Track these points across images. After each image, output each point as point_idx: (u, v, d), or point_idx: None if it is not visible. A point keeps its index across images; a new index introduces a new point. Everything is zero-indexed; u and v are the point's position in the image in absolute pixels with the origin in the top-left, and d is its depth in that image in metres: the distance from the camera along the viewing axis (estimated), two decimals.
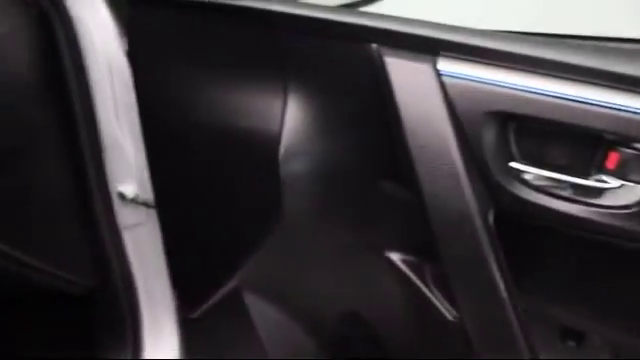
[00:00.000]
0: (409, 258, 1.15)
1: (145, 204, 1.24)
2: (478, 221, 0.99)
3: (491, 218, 1.00)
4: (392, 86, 1.02)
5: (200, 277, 1.24)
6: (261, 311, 1.22)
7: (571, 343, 1.13)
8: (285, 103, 1.13)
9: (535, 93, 0.94)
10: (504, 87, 0.96)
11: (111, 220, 1.23)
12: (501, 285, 1.00)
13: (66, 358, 1.29)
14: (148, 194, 1.24)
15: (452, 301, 1.09)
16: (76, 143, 1.17)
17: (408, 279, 1.14)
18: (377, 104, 1.05)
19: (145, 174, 1.23)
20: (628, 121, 0.89)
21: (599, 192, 0.95)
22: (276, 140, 1.13)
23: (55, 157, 1.16)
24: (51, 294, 1.27)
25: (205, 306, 1.24)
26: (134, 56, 1.11)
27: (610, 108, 0.90)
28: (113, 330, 1.29)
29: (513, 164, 0.99)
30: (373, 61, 1.04)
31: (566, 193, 0.97)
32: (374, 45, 1.04)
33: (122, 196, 1.23)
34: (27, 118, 1.09)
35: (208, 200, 1.18)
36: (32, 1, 1.09)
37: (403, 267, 1.15)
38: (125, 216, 1.24)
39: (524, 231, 1.01)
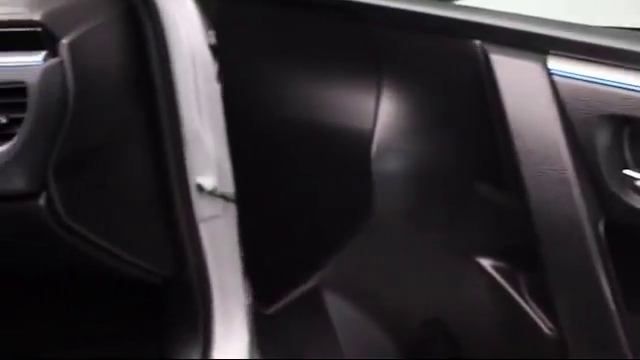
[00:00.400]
0: (502, 265, 1.11)
1: (224, 197, 1.21)
2: (588, 230, 0.93)
3: (602, 228, 0.94)
4: (498, 85, 0.97)
5: (278, 274, 1.21)
6: (340, 311, 1.18)
7: None
8: (379, 99, 1.09)
9: None
10: (619, 88, 0.91)
11: (189, 212, 1.22)
12: (609, 299, 0.94)
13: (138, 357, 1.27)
14: (228, 187, 1.21)
15: (549, 313, 1.04)
16: (159, 135, 1.16)
17: (500, 287, 1.10)
18: (478, 103, 1.01)
19: (225, 168, 1.20)
20: None
21: None
22: (368, 137, 1.10)
23: (139, 149, 1.15)
24: (128, 284, 1.26)
25: (281, 303, 1.21)
26: (222, 50, 1.07)
27: None
28: (185, 322, 1.28)
29: (627, 172, 0.93)
30: (476, 58, 0.99)
31: None
32: (477, 41, 0.99)
33: (200, 188, 1.21)
34: (115, 111, 1.06)
35: (292, 196, 1.15)
36: None
37: (495, 274, 1.10)
38: (202, 208, 1.22)
39: (637, 244, 0.95)
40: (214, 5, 1.05)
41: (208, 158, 1.20)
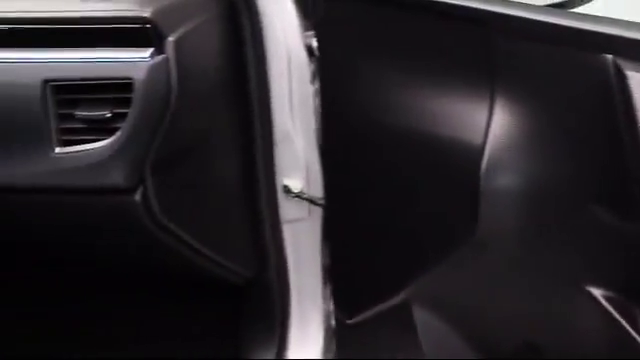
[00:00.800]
0: (615, 296, 1.02)
1: (310, 200, 1.18)
2: None
3: None
4: (634, 104, 0.90)
5: (366, 285, 1.16)
6: (429, 328, 1.13)
7: None
8: (491, 111, 1.04)
9: None
10: None
11: (274, 213, 1.20)
12: None
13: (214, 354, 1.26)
14: (316, 191, 1.18)
15: None
16: (250, 136, 1.14)
17: (612, 319, 1.02)
18: (602, 120, 0.94)
19: (314, 170, 1.18)
20: None
21: None
22: (478, 151, 1.04)
23: (229, 149, 1.13)
24: (208, 283, 1.25)
25: (367, 314, 1.17)
26: (324, 50, 1.04)
27: None
28: (261, 323, 1.27)
29: None
30: (606, 73, 0.92)
31: None
32: (609, 56, 0.92)
33: (287, 190, 1.18)
34: (211, 110, 1.05)
35: (388, 206, 1.10)
36: None
37: (607, 305, 1.02)
38: (288, 210, 1.20)
39: None
40: (320, 4, 1.01)
41: (297, 160, 1.18)
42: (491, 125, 1.04)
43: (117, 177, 0.95)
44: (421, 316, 1.13)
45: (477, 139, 1.04)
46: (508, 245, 1.09)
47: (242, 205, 1.18)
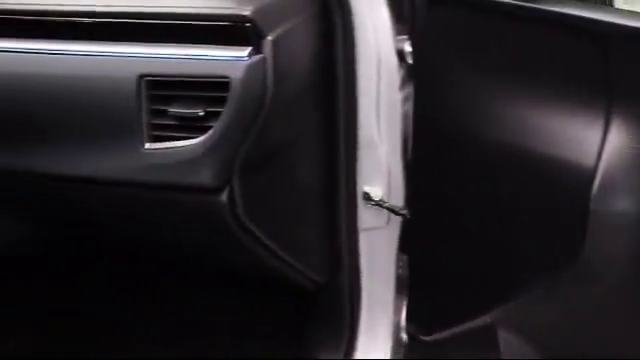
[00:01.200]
0: None
1: (391, 210, 1.14)
2: None
3: None
4: None
5: (449, 302, 1.11)
6: (511, 348, 1.07)
7: None
8: (606, 130, 0.97)
9: None
10: None
11: (351, 220, 1.16)
12: None
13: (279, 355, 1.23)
14: (397, 200, 1.14)
15: None
16: (333, 139, 1.10)
17: None
18: None
19: (397, 179, 1.13)
20: None
21: None
22: (590, 171, 0.98)
23: (313, 152, 1.10)
24: (281, 286, 1.22)
25: (446, 332, 1.12)
26: (421, 57, 0.99)
27: None
28: (330, 327, 1.24)
29: None
30: None
31: None
32: None
33: (367, 197, 1.14)
34: (299, 112, 1.02)
35: (479, 223, 1.04)
36: None
37: None
38: (366, 217, 1.17)
39: None
40: (422, 9, 0.97)
41: (380, 167, 1.14)
42: (605, 145, 0.97)
43: (206, 176, 0.92)
44: (508, 340, 1.07)
45: (589, 158, 0.98)
46: (616, 269, 1.02)
47: (320, 210, 1.15)
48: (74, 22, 0.95)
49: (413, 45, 1.03)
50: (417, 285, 1.14)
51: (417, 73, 1.01)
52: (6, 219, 1.20)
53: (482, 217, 1.02)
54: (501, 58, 0.96)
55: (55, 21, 0.96)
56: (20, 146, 1.01)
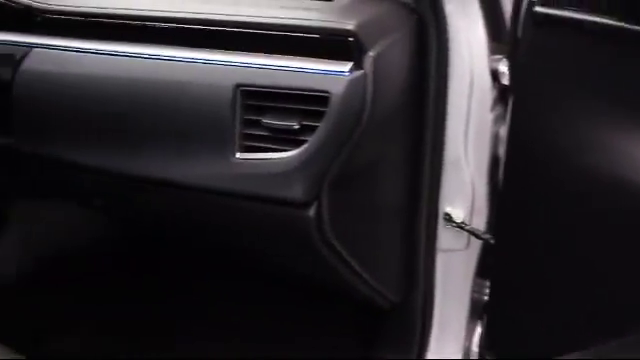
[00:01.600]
0: None
1: (473, 233, 1.09)
2: None
3: None
4: None
5: (532, 335, 1.05)
6: None
7: None
8: None
9: None
10: None
11: (430, 241, 1.12)
12: None
13: None
14: (479, 223, 1.10)
15: None
16: (419, 157, 1.06)
17: None
18: None
19: (481, 201, 1.09)
20: None
21: None
22: None
23: (398, 169, 1.06)
24: (354, 301, 1.19)
25: None
26: (519, 79, 0.95)
27: None
28: (399, 347, 1.20)
29: None
30: None
31: None
32: None
33: (448, 218, 1.10)
34: (390, 129, 0.98)
35: (569, 252, 0.99)
36: (413, 7, 0.98)
37: None
38: (445, 238, 1.13)
39: None
40: (528, 30, 0.92)
41: (463, 188, 1.09)
42: None
43: (297, 190, 0.90)
44: None
45: None
46: None
47: (400, 229, 1.12)
48: (177, 28, 0.94)
49: (512, 66, 0.98)
50: (497, 311, 1.09)
51: (516, 95, 0.96)
52: (90, 217, 1.20)
53: (575, 247, 0.97)
54: (604, 83, 0.91)
55: (158, 27, 0.95)
56: (113, 147, 1.00)
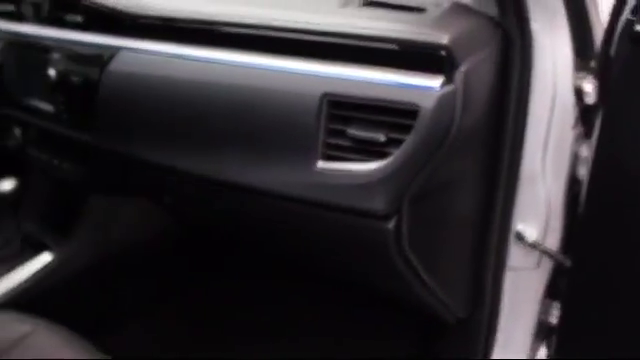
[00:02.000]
0: None
1: (546, 253, 1.06)
2: None
3: None
4: None
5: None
6: None
7: None
8: None
9: None
10: None
11: (500, 257, 1.09)
12: None
13: None
14: (552, 242, 1.06)
15: None
16: (495, 174, 1.03)
17: None
18: None
19: (555, 221, 1.05)
20: None
21: None
22: None
23: (473, 185, 1.04)
24: (420, 315, 1.17)
25: None
26: (610, 98, 0.91)
27: None
28: None
29: None
30: None
31: None
32: None
33: (520, 237, 1.07)
34: (471, 145, 0.95)
35: None
36: (499, 22, 0.95)
37: None
38: (515, 256, 1.09)
39: None
40: (625, 51, 0.88)
41: (538, 206, 1.06)
42: None
43: (379, 202, 0.88)
44: None
45: None
46: None
47: (471, 244, 1.09)
48: (265, 35, 0.93)
49: (601, 85, 0.95)
50: (568, 335, 1.05)
51: (606, 114, 0.93)
52: (163, 216, 1.21)
53: None
54: None
55: (245, 33, 0.95)
56: (193, 150, 1.00)
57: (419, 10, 0.94)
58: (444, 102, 0.83)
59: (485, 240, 1.08)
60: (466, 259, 1.10)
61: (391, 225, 0.90)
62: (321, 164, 0.90)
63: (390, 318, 1.20)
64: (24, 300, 1.39)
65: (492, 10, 0.97)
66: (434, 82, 0.84)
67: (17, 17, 1.35)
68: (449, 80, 0.84)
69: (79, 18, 1.22)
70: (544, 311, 1.16)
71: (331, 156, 0.90)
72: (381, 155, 0.87)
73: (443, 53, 0.84)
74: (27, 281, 1.42)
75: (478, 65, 0.89)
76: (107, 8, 1.17)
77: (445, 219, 1.03)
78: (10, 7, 1.35)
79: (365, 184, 0.87)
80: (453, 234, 1.06)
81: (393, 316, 1.20)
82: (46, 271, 1.42)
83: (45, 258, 1.42)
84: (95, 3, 1.20)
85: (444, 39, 0.84)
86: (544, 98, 1.00)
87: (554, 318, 1.16)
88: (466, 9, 0.95)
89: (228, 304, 1.29)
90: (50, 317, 1.01)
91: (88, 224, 1.37)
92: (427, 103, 0.83)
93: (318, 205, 0.92)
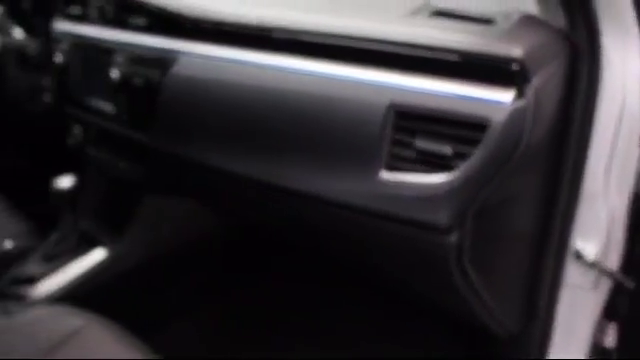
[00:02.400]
0: None
1: (606, 273, 1.02)
2: None
3: None
4: None
5: None
6: None
7: None
8: None
9: None
10: None
11: (556, 274, 1.06)
12: None
13: None
14: (612, 262, 1.03)
15: None
16: (556, 190, 1.00)
17: None
18: None
19: (616, 240, 1.01)
20: None
21: None
22: None
23: (534, 200, 1.00)
24: (471, 328, 1.14)
25: None
26: None
27: None
28: None
29: None
30: None
31: None
32: None
33: (578, 255, 1.03)
34: (534, 162, 0.92)
35: None
36: (569, 35, 0.92)
37: None
38: (573, 275, 1.05)
39: None
40: None
41: (599, 224, 1.02)
42: None
43: (443, 215, 0.86)
44: None
45: None
46: None
47: (527, 260, 1.06)
48: (332, 44, 0.92)
49: None
50: (627, 357, 1.01)
51: None
52: (216, 218, 1.20)
53: None
54: None
55: (313, 41, 0.93)
56: (253, 155, 1.00)
57: (488, 21, 0.91)
58: (515, 117, 0.81)
59: (542, 257, 1.05)
60: (522, 275, 1.07)
61: (453, 239, 0.88)
62: (384, 174, 0.89)
63: (438, 328, 1.17)
64: (76, 295, 1.40)
65: (561, 22, 0.94)
66: (505, 96, 0.82)
67: (83, 19, 1.37)
68: (520, 94, 0.82)
69: (142, 21, 1.23)
70: (599, 332, 1.12)
71: (394, 167, 0.89)
72: (445, 167, 0.85)
73: (515, 67, 0.82)
74: (80, 277, 1.43)
75: (548, 79, 0.87)
76: (171, 12, 1.17)
77: (504, 234, 1.00)
78: (76, 9, 1.37)
79: (430, 196, 0.85)
80: (510, 249, 1.04)
81: (441, 327, 1.17)
82: (98, 268, 1.44)
83: (98, 255, 1.45)
84: (159, 7, 1.21)
85: (517, 52, 0.82)
86: (611, 114, 0.97)
87: (610, 340, 1.12)
88: (536, 21, 0.92)
89: (273, 306, 1.28)
90: (100, 313, 1.02)
91: (141, 223, 1.38)
92: (498, 117, 0.81)
93: (379, 215, 0.90)
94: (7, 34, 1.51)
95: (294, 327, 1.24)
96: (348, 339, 1.23)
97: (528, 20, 0.92)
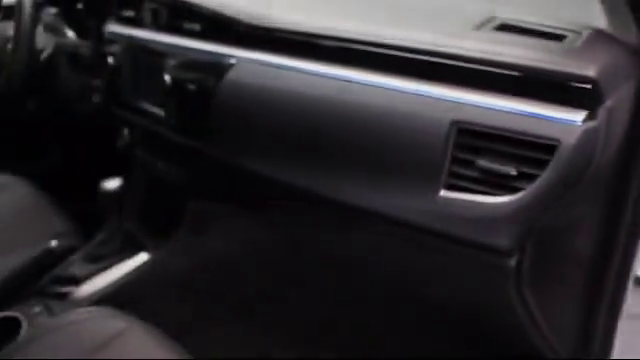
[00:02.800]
0: None
1: None
2: None
3: None
4: None
5: None
6: None
7: None
8: None
9: None
10: None
11: (615, 302, 1.01)
12: None
13: None
14: None
15: None
16: (618, 216, 0.95)
17: None
18: None
19: None
20: None
21: None
22: None
23: (595, 226, 0.96)
24: (520, 351, 1.10)
25: None
26: None
27: None
28: None
29: None
30: None
31: None
32: None
33: (639, 282, 0.98)
34: (598, 183, 0.88)
35: None
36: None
37: None
38: (634, 304, 1.00)
39: None
40: None
41: None
42: None
43: (504, 238, 0.83)
44: None
45: None
46: None
47: (586, 287, 1.02)
48: (394, 55, 0.89)
49: None
50: None
51: None
52: (264, 228, 1.19)
53: None
54: None
55: (375, 52, 0.91)
56: (307, 165, 0.98)
57: (557, 37, 0.88)
58: (586, 139, 0.77)
59: (601, 284, 1.01)
60: (579, 302, 1.03)
61: (513, 262, 0.85)
62: (444, 193, 0.86)
63: (487, 350, 1.14)
64: (118, 298, 1.40)
65: (633, 39, 0.90)
66: (576, 116, 0.78)
67: (136, 23, 1.37)
68: (592, 115, 0.78)
69: (197, 26, 1.22)
70: None
71: (454, 185, 0.86)
72: (507, 188, 0.82)
73: (588, 86, 0.78)
74: (122, 280, 1.43)
75: (621, 100, 0.83)
76: (226, 17, 1.16)
77: (563, 258, 0.96)
78: (129, 13, 1.38)
79: (492, 217, 0.82)
80: (569, 274, 0.99)
81: (490, 348, 1.13)
82: (141, 272, 1.43)
83: (141, 259, 1.44)
84: (214, 12, 1.20)
85: (590, 71, 0.78)
86: None
87: None
88: (608, 38, 0.88)
89: (311, 319, 1.26)
90: (140, 316, 1.01)
91: (185, 229, 1.37)
92: (568, 138, 0.77)
93: (436, 234, 0.87)
94: (60, 35, 1.52)
95: (340, 344, 1.22)
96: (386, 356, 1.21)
97: (599, 36, 0.88)
